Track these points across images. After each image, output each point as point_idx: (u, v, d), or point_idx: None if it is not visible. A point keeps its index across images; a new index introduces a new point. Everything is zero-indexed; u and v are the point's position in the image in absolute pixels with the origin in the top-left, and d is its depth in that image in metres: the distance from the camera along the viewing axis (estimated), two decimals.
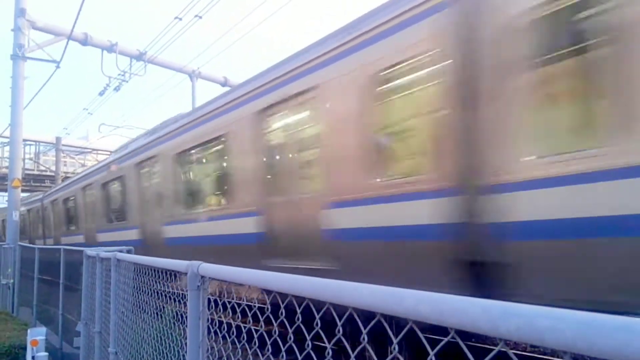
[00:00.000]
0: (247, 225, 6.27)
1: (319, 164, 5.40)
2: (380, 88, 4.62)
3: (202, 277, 1.97)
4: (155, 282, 2.98)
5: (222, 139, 7.08)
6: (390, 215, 4.41)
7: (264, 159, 6.23)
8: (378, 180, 4.58)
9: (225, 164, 7.29)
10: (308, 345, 1.36)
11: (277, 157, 6.17)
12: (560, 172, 3.24)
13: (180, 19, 13.79)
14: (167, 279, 2.77)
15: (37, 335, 5.47)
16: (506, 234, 3.55)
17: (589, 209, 3.11)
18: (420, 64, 4.28)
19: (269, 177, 6.17)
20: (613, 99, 3.19)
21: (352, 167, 4.82)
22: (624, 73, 3.06)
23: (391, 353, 1.09)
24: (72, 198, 15.24)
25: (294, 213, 5.68)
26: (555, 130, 3.63)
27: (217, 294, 2.25)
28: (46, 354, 5.42)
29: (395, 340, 1.04)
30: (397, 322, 1.09)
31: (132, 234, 9.81)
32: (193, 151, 8.09)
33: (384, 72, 4.53)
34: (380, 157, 4.65)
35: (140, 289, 3.30)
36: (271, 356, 1.65)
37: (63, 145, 27.36)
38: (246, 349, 1.86)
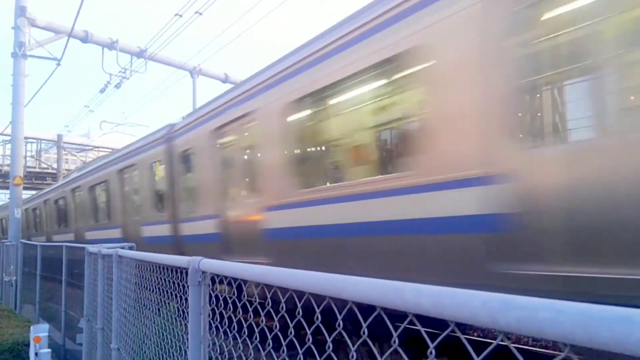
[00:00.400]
0: (116, 233, 11.29)
1: (137, 205, 10.60)
2: (154, 171, 9.72)
3: (203, 272, 1.97)
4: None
5: (106, 183, 12.24)
6: (157, 232, 9.37)
7: (123, 199, 11.30)
8: (159, 215, 9.45)
9: (108, 198, 12.31)
10: (308, 339, 1.36)
11: (127, 199, 11.20)
12: (190, 216, 8.07)
13: (181, 16, 13.76)
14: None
15: (39, 331, 5.48)
16: (185, 240, 8.39)
17: (199, 231, 7.75)
18: (160, 163, 9.40)
19: (124, 208, 11.15)
20: (197, 195, 8.12)
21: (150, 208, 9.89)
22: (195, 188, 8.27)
23: (391, 347, 1.09)
24: (37, 208, 20.65)
25: (133, 228, 10.51)
26: (187, 201, 8.42)
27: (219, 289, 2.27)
28: (49, 350, 5.44)
29: (395, 334, 1.04)
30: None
31: (71, 236, 14.81)
32: (97, 187, 13.26)
33: (153, 163, 9.68)
34: (159, 203, 9.62)
35: (142, 285, 3.31)
36: (272, 350, 1.66)
37: (64, 142, 27.40)
38: (247, 344, 1.86)
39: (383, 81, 4.81)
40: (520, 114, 3.74)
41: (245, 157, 6.76)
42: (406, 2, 4.18)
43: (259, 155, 6.26)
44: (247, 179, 6.63)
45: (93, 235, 12.75)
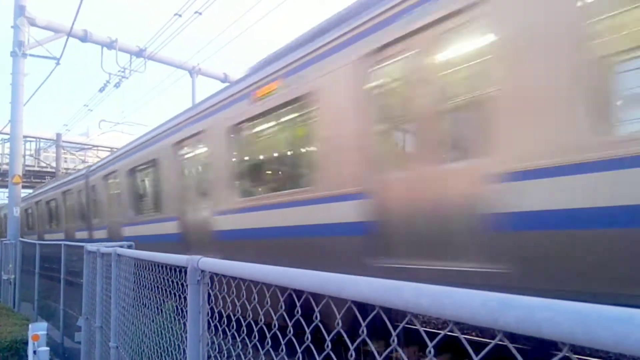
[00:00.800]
0: (61, 236, 15.36)
1: (73, 217, 15.47)
2: (80, 195, 14.42)
3: (202, 271, 1.97)
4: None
5: (55, 200, 16.98)
6: (83, 235, 13.71)
7: (65, 212, 15.96)
8: (83, 224, 14.23)
9: (56, 211, 17.18)
10: (307, 338, 1.36)
11: (68, 213, 15.90)
12: (96, 226, 13.09)
13: (180, 16, 13.74)
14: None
15: (38, 330, 5.48)
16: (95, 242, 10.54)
17: (99, 236, 12.38)
18: (82, 191, 14.14)
19: (66, 218, 15.93)
20: (98, 213, 13.02)
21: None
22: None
23: (390, 345, 1.09)
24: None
25: (71, 232, 15.15)
26: (95, 216, 13.15)
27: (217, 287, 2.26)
28: (47, 348, 5.44)
29: (394, 333, 1.04)
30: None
31: (35, 237, 18.13)
32: (50, 202, 18.00)
33: (79, 191, 14.57)
34: (84, 216, 14.30)
35: (140, 283, 3.31)
36: (271, 350, 1.66)
37: (63, 141, 27.39)
38: (246, 343, 1.86)
39: (150, 170, 9.63)
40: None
41: (116, 195, 11.34)
42: (153, 138, 9.27)
43: (122, 195, 10.83)
44: (117, 207, 11.16)
45: (49, 236, 17.33)
